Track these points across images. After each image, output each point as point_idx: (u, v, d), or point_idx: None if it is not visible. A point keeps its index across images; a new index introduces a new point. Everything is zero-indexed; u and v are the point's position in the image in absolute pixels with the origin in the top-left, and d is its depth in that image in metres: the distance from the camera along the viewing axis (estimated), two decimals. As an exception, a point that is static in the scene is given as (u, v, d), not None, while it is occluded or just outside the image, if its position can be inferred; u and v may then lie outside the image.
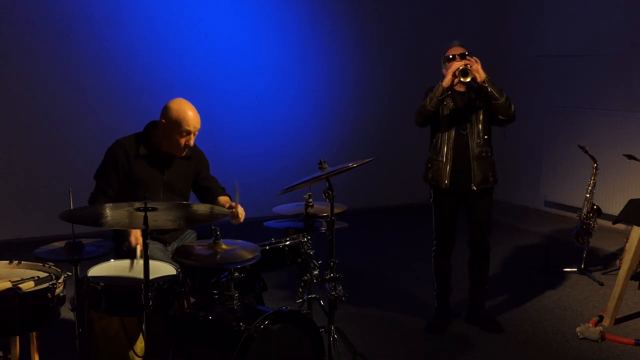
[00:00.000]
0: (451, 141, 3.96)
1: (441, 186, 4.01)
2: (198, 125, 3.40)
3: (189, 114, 3.36)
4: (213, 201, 3.60)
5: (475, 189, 3.95)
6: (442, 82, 3.88)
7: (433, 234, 4.17)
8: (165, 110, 3.39)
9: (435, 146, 4.03)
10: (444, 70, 4.00)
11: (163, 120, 3.38)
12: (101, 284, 2.83)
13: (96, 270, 2.97)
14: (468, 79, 3.81)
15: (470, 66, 3.83)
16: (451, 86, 3.87)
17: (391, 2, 7.51)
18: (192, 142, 3.42)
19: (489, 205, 4.10)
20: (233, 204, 3.37)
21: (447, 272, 4.20)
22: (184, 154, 3.46)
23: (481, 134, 3.96)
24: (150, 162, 3.45)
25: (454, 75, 3.84)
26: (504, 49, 7.82)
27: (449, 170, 3.96)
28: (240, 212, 3.36)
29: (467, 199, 4.04)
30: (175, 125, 3.34)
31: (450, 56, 3.97)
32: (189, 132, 3.37)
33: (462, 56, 3.93)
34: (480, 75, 3.84)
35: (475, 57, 3.94)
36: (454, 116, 3.96)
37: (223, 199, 3.63)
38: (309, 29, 7.15)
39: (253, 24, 6.88)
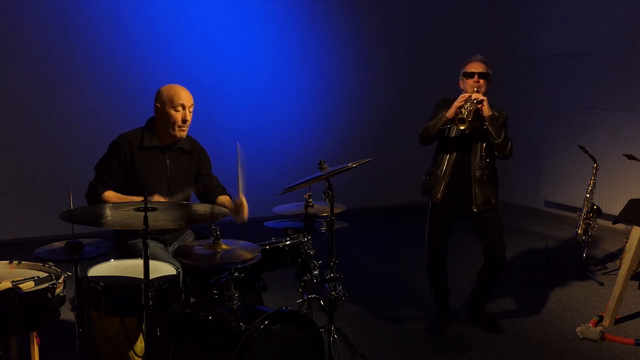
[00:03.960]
0: (453, 160, 3.98)
1: (433, 199, 4.03)
2: (191, 100, 3.49)
3: (179, 89, 3.49)
4: (212, 200, 3.60)
5: (476, 210, 3.97)
6: (446, 112, 3.85)
7: (425, 247, 4.16)
8: (157, 95, 3.50)
9: (437, 160, 4.05)
10: (460, 83, 3.98)
11: (157, 105, 3.47)
12: (101, 284, 2.82)
13: (96, 270, 2.97)
14: (463, 127, 3.79)
15: (482, 101, 3.80)
16: (454, 118, 3.83)
17: (391, 2, 7.52)
18: (189, 117, 3.46)
19: (498, 220, 4.09)
20: (237, 201, 3.40)
21: (443, 280, 4.18)
22: (185, 132, 3.48)
23: (484, 157, 3.96)
24: (154, 155, 3.47)
25: (457, 116, 3.80)
26: (504, 49, 7.82)
27: (444, 186, 3.98)
28: (244, 206, 3.40)
29: (469, 217, 4.05)
30: (169, 102, 3.43)
31: (471, 72, 3.91)
32: (183, 106, 3.44)
33: (482, 76, 3.89)
34: (485, 112, 3.83)
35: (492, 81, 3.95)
36: (460, 137, 3.96)
37: (223, 199, 3.63)
38: (309, 29, 7.15)
39: (253, 23, 6.88)
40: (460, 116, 3.77)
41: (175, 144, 3.52)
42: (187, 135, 3.59)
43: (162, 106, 3.44)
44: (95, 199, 3.35)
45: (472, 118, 3.79)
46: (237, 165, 3.31)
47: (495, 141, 3.87)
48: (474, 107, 3.79)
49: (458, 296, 4.39)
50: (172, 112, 3.42)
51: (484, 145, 3.96)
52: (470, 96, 3.81)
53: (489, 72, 3.94)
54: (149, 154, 3.46)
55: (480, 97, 3.83)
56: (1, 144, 5.94)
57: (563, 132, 7.17)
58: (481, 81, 3.90)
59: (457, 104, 3.82)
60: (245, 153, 7.34)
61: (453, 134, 3.97)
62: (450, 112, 3.84)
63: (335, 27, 7.28)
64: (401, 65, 7.57)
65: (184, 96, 3.45)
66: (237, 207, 3.43)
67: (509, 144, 3.91)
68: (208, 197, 3.64)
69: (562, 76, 7.26)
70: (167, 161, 3.50)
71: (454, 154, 3.98)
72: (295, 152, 7.03)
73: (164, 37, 6.43)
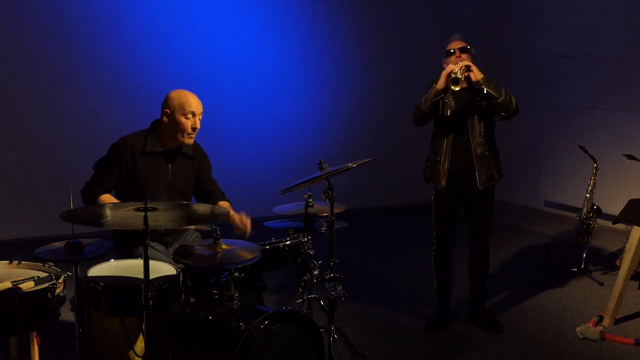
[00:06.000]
0: (451, 141, 3.94)
1: (438, 187, 4.00)
2: (200, 108, 3.47)
3: (189, 96, 3.46)
4: (212, 204, 3.60)
5: (481, 188, 3.94)
6: (436, 84, 3.85)
7: (433, 232, 4.16)
8: (167, 100, 3.45)
9: (435, 145, 4.01)
10: (444, 64, 3.96)
11: (167, 111, 3.43)
12: (101, 284, 2.82)
13: (96, 270, 2.97)
14: (457, 88, 3.77)
15: (469, 67, 3.80)
16: (446, 88, 3.83)
17: (391, 2, 7.52)
18: (198, 125, 3.45)
19: (492, 204, 4.09)
20: (245, 220, 3.45)
21: (448, 271, 4.19)
22: (192, 139, 3.48)
23: (483, 133, 3.92)
24: (156, 159, 3.46)
25: (447, 80, 3.80)
26: (504, 49, 7.82)
27: (446, 170, 3.95)
28: (246, 223, 3.43)
29: (470, 198, 4.03)
30: (180, 109, 3.40)
31: (451, 50, 3.92)
32: (193, 114, 3.42)
33: (462, 50, 3.89)
34: (476, 75, 3.79)
35: (475, 55, 3.93)
36: (455, 115, 3.93)
37: (223, 204, 3.63)
38: (309, 29, 7.15)
39: (253, 23, 6.88)
40: (453, 76, 3.75)
41: (178, 150, 3.52)
42: None
43: (172, 112, 3.40)
44: (90, 200, 3.35)
45: (465, 89, 3.77)
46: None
47: (499, 100, 3.80)
48: (464, 73, 3.78)
49: (458, 296, 4.39)
50: (183, 119, 3.40)
51: (481, 119, 3.91)
52: (457, 68, 3.79)
53: (469, 46, 3.92)
54: (151, 159, 3.44)
55: (467, 62, 3.81)
56: (1, 144, 5.94)
57: (563, 132, 7.18)
58: (463, 55, 3.88)
59: (444, 73, 3.81)
60: (246, 153, 7.39)
61: (447, 112, 3.93)
62: (440, 83, 3.82)
63: (335, 27, 7.28)
64: (401, 65, 7.57)
65: (194, 103, 3.43)
66: (240, 227, 3.45)
67: (513, 99, 3.84)
68: (208, 201, 3.64)
69: (562, 76, 7.26)
70: (169, 166, 3.49)
71: (451, 136, 3.94)
72: (295, 152, 7.03)
73: (164, 37, 6.43)
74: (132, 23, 6.30)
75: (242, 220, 3.44)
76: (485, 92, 3.79)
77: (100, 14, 6.16)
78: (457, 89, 3.77)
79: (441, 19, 7.63)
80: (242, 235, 3.41)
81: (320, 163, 3.34)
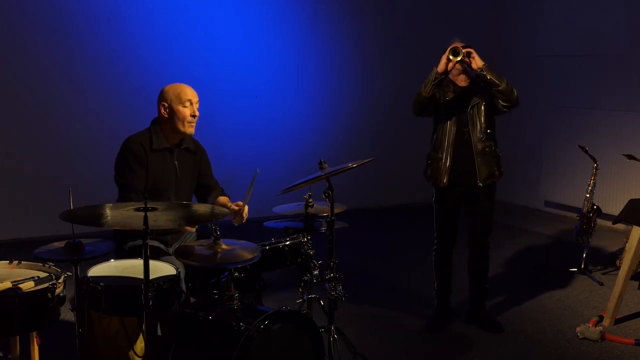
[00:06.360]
0: (451, 138, 3.93)
1: (440, 185, 4.00)
2: (196, 96, 3.51)
3: (184, 86, 3.51)
4: (212, 201, 3.61)
5: (481, 185, 3.93)
6: (436, 66, 3.85)
7: (434, 233, 4.16)
8: (162, 94, 3.49)
9: (435, 142, 4.01)
10: None
11: (164, 104, 3.46)
12: (101, 284, 2.83)
13: (96, 270, 2.97)
14: (458, 58, 3.75)
15: (470, 53, 3.79)
16: (445, 71, 3.82)
17: (391, 2, 7.52)
18: (197, 112, 3.48)
19: (492, 204, 4.08)
20: (240, 203, 3.40)
21: (448, 272, 4.19)
22: (193, 127, 3.49)
23: (484, 129, 3.91)
24: (164, 156, 3.48)
25: (448, 59, 3.80)
26: (504, 49, 7.81)
27: (448, 167, 3.94)
28: (245, 212, 3.40)
29: (470, 197, 4.03)
30: (177, 99, 3.44)
31: (449, 48, 3.93)
32: (190, 102, 3.46)
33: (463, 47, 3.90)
34: (477, 62, 3.79)
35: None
36: (455, 112, 3.92)
37: (223, 199, 3.64)
38: (309, 29, 7.15)
39: (253, 23, 6.88)
40: (453, 46, 3.74)
41: (181, 144, 3.53)
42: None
43: (170, 104, 3.44)
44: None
45: (464, 87, 3.76)
46: (250, 183, 3.23)
47: (500, 88, 3.80)
48: (465, 58, 3.77)
49: (458, 296, 4.40)
50: (181, 108, 3.43)
51: (482, 114, 3.91)
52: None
53: (469, 47, 3.91)
54: (159, 156, 3.46)
55: (468, 49, 3.80)
56: (1, 144, 5.94)
57: (563, 132, 7.18)
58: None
59: (444, 56, 3.79)
60: (245, 153, 7.38)
61: (447, 107, 3.91)
62: (440, 65, 3.81)
63: (335, 27, 7.28)
64: (401, 65, 7.57)
65: (190, 92, 3.48)
66: (238, 210, 3.43)
67: (514, 89, 3.84)
68: (206, 197, 3.65)
69: (562, 76, 7.26)
70: (176, 162, 3.50)
71: (452, 133, 3.92)
72: (295, 152, 7.03)
73: (164, 37, 6.43)
74: (132, 23, 6.30)
75: (238, 204, 3.43)
76: (488, 78, 3.79)
77: (100, 14, 6.16)
78: (458, 59, 3.75)
79: (441, 19, 7.63)
80: (240, 223, 3.41)
81: (320, 163, 3.35)
